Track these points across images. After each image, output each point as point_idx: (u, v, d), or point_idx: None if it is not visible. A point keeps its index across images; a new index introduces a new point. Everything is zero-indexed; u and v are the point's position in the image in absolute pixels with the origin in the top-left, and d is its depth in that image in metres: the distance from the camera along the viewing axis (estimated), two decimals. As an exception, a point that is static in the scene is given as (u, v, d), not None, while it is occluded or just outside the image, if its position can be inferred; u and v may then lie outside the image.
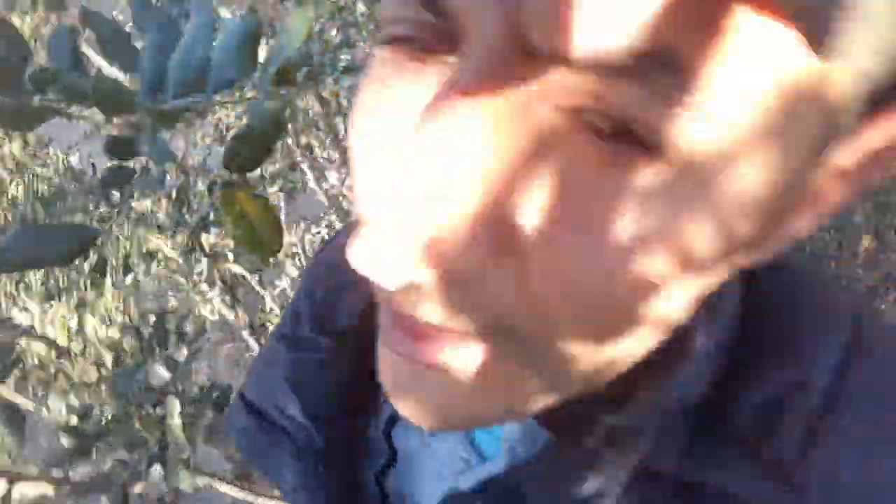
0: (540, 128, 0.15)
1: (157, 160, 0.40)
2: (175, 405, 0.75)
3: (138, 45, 0.44)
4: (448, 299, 0.17)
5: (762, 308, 0.26)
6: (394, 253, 0.15)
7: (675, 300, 0.18)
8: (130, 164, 0.50)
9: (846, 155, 0.18)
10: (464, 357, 0.19)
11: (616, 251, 0.15)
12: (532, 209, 0.15)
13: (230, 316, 1.54)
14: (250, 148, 0.45)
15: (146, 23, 0.41)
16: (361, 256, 0.15)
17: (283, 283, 2.08)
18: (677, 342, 0.24)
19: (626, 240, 0.15)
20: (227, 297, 1.56)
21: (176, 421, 0.73)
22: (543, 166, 0.15)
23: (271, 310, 1.85)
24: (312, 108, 1.61)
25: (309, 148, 1.84)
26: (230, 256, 1.57)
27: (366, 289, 0.30)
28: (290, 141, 1.64)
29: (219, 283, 1.57)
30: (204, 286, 1.56)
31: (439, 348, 0.19)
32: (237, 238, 0.53)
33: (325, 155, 1.92)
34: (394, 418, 0.33)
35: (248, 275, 1.67)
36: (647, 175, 0.15)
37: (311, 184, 1.77)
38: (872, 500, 0.23)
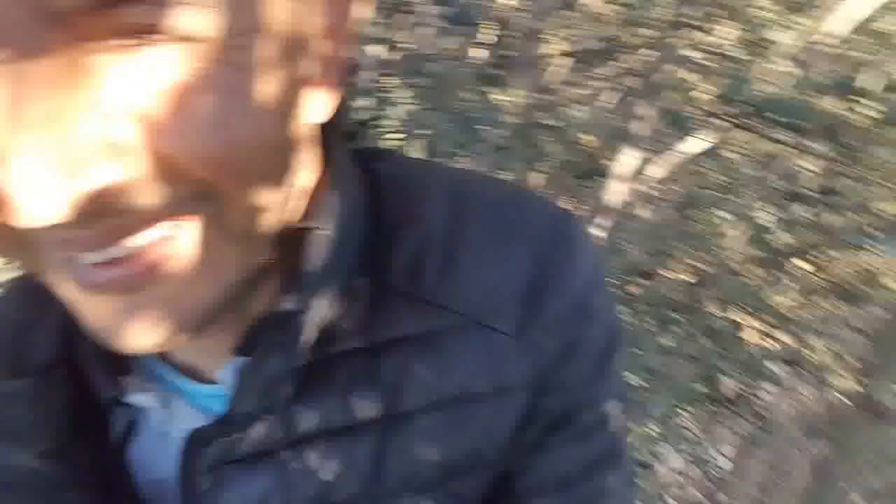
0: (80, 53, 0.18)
1: None
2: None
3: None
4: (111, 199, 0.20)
5: (384, 186, 0.34)
6: (46, 187, 0.18)
7: (282, 148, 0.24)
8: None
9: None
10: (173, 238, 0.22)
11: (204, 109, 0.20)
12: (132, 115, 0.19)
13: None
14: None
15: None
16: (27, 204, 0.18)
17: None
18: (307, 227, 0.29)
19: (207, 101, 0.20)
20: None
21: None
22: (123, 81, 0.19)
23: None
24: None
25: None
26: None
27: (55, 321, 0.32)
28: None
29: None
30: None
31: (148, 245, 0.22)
32: None
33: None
34: (124, 436, 0.34)
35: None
36: (173, 55, 0.19)
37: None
38: (493, 292, 0.32)
